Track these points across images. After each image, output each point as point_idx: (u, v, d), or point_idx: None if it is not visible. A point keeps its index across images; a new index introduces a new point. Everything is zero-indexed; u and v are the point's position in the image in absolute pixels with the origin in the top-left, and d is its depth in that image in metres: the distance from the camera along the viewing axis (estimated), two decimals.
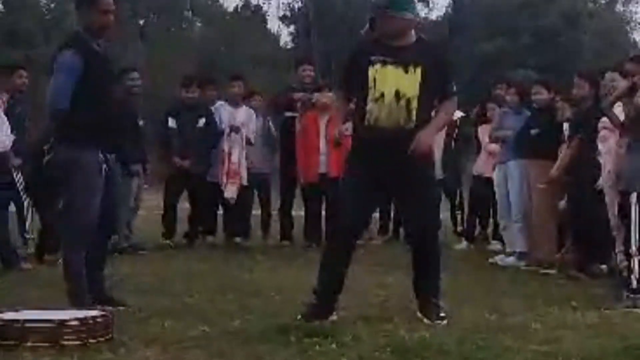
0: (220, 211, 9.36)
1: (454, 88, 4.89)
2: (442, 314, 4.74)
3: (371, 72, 4.71)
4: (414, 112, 4.68)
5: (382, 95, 4.69)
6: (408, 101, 4.67)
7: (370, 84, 4.72)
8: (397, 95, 4.68)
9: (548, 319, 4.83)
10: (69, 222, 5.14)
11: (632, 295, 5.34)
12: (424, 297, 4.84)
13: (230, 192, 8.88)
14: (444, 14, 41.04)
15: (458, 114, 9.55)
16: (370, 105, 4.71)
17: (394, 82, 4.68)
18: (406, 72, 4.69)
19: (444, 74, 4.83)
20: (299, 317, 4.59)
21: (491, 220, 9.17)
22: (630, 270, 5.39)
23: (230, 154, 8.86)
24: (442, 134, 9.34)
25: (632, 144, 5.63)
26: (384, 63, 4.71)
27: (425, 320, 4.70)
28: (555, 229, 7.14)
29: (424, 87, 4.69)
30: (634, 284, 5.37)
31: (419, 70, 4.68)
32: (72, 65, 5.03)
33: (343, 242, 4.82)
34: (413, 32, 4.83)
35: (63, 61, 5.09)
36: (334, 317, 4.68)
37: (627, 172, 5.62)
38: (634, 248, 5.39)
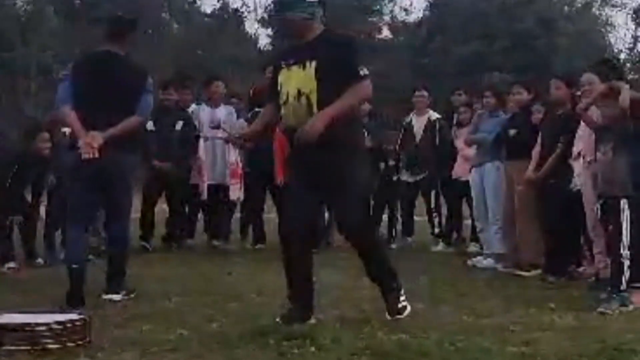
0: (200, 214, 9.36)
1: (362, 72, 4.63)
2: (400, 307, 4.85)
3: (279, 76, 4.77)
4: (314, 108, 4.60)
5: (287, 96, 4.70)
6: (307, 98, 4.62)
7: (279, 88, 4.76)
8: (299, 93, 4.65)
9: (526, 321, 4.86)
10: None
11: (618, 295, 5.38)
12: (382, 294, 4.91)
13: (235, 193, 8.91)
14: (422, 17, 41.20)
15: (434, 115, 9.63)
16: (282, 110, 4.76)
17: (295, 82, 4.67)
18: (304, 69, 4.66)
19: (345, 61, 4.63)
20: (278, 319, 4.59)
21: (469, 222, 9.20)
22: (620, 272, 5.44)
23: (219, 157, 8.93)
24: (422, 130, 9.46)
25: (617, 149, 5.62)
26: (289, 65, 4.73)
27: (387, 316, 4.84)
28: (539, 231, 7.17)
29: (322, 81, 4.60)
30: (624, 285, 5.42)
31: (313, 64, 4.62)
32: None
33: (291, 248, 4.77)
34: (318, 29, 4.78)
35: (151, 83, 5.95)
36: (312, 321, 4.68)
37: (616, 177, 5.62)
38: (625, 252, 5.44)
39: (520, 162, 7.29)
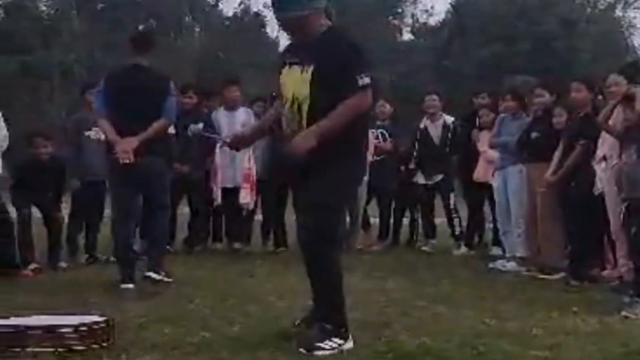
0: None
1: (361, 82, 4.10)
2: (317, 345, 4.02)
3: (281, 76, 4.35)
4: (305, 118, 4.19)
5: (285, 101, 4.31)
6: (299, 107, 4.21)
7: (280, 89, 4.37)
8: (293, 100, 4.25)
9: (548, 325, 4.83)
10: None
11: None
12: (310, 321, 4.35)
13: (245, 197, 8.90)
14: (443, 19, 41.16)
15: (449, 119, 9.62)
16: (283, 114, 4.37)
17: (292, 85, 4.26)
18: (301, 72, 4.21)
19: (344, 69, 4.11)
20: (298, 322, 4.58)
21: (491, 225, 9.17)
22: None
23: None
24: (438, 134, 9.45)
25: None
26: (290, 65, 4.31)
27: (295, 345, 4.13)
28: (561, 234, 7.14)
29: (317, 88, 4.14)
30: None
31: (310, 69, 4.18)
32: None
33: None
34: (322, 25, 4.29)
35: (174, 87, 6.70)
36: None
37: None
38: None
39: (542, 165, 7.26)
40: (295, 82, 4.23)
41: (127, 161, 6.17)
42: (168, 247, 8.92)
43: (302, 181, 4.32)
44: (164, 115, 6.43)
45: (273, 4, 4.34)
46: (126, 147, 6.19)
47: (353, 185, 4.60)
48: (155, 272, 6.56)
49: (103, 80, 6.62)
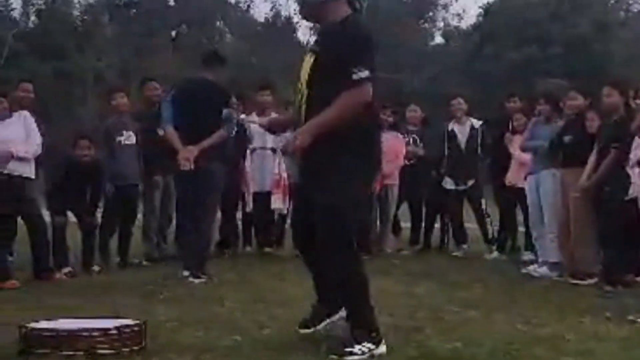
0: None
1: (356, 76, 3.94)
2: (347, 350, 3.97)
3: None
4: (304, 109, 4.14)
5: (298, 90, 4.25)
6: (302, 96, 4.16)
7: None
8: (300, 87, 4.20)
9: (581, 330, 4.80)
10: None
11: None
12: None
13: (276, 203, 8.93)
14: (475, 23, 41.03)
15: (476, 123, 9.58)
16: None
17: (303, 73, 4.18)
18: (310, 58, 4.16)
19: (341, 59, 3.96)
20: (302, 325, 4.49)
21: (523, 230, 9.12)
22: None
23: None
24: (465, 137, 9.43)
25: None
26: (309, 50, 4.25)
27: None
28: (595, 239, 7.08)
29: (315, 77, 4.08)
30: None
31: (313, 58, 4.12)
32: None
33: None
34: (343, 10, 4.17)
35: (234, 102, 7.48)
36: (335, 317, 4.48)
37: None
38: None
39: (576, 169, 7.21)
40: (304, 70, 4.17)
41: (187, 168, 6.81)
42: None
43: (306, 181, 4.24)
44: (223, 127, 7.06)
45: None
46: (187, 155, 6.82)
47: (361, 186, 4.22)
48: (194, 275, 6.88)
49: (172, 91, 7.30)
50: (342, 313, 4.33)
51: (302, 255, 4.51)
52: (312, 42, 4.32)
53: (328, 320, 4.43)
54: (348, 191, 4.07)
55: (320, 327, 4.41)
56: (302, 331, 4.44)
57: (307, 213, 4.22)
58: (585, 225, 7.15)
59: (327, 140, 3.99)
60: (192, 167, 6.81)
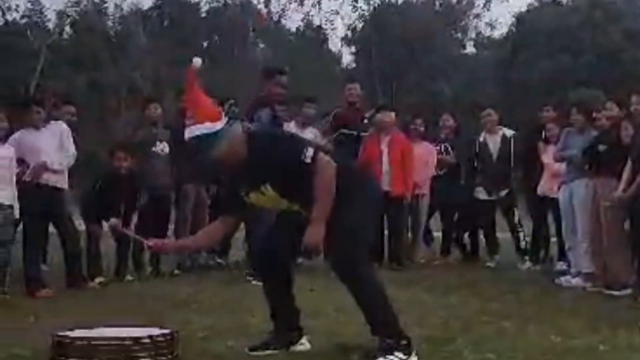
0: None
1: (306, 159, 4.06)
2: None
3: (249, 201, 4.38)
4: (295, 203, 4.31)
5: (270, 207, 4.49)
6: (290, 204, 4.34)
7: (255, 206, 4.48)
8: (279, 206, 4.41)
9: (615, 342, 4.74)
10: None
11: None
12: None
13: None
14: (507, 32, 40.88)
15: (508, 132, 9.53)
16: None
17: (270, 203, 4.39)
18: (263, 194, 4.29)
19: (285, 163, 4.13)
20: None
21: (556, 240, 9.05)
22: None
23: None
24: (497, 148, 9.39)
25: None
26: (246, 194, 4.36)
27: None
28: (629, 249, 7.01)
29: (287, 194, 4.29)
30: None
31: (269, 187, 4.24)
32: None
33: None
34: (242, 144, 4.23)
35: None
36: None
37: None
38: None
39: (608, 179, 7.16)
40: (267, 200, 4.23)
41: None
42: (222, 261, 9.04)
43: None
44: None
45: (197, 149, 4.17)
46: None
47: (369, 209, 4.39)
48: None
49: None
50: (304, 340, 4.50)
51: (265, 284, 4.55)
52: (241, 186, 4.27)
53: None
54: (357, 213, 4.18)
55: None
56: (253, 353, 4.38)
57: (281, 240, 4.37)
58: (618, 235, 7.09)
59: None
60: None
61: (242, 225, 8.81)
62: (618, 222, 7.06)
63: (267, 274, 4.51)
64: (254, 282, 6.85)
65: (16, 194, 6.74)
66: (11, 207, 6.68)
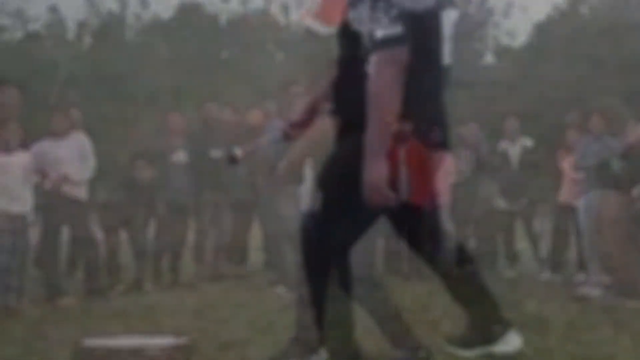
0: None
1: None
2: None
3: None
4: None
5: None
6: None
7: None
8: None
9: (635, 351, 4.71)
10: None
11: None
12: None
13: None
14: (527, 41, 40.77)
15: (528, 141, 9.51)
16: None
17: None
18: None
19: None
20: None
21: (576, 249, 9.00)
22: None
23: None
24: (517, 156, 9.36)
25: None
26: None
27: None
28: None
29: None
30: None
31: None
32: None
33: None
34: None
35: None
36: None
37: None
38: None
39: (623, 194, 7.14)
40: None
41: None
42: None
43: None
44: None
45: None
46: None
47: None
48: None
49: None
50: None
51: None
52: None
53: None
54: None
55: None
56: None
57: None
58: (628, 247, 7.05)
59: None
60: None
61: (261, 232, 8.90)
62: (626, 234, 7.03)
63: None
64: (277, 291, 6.91)
65: (33, 203, 6.77)
66: (24, 216, 6.69)
